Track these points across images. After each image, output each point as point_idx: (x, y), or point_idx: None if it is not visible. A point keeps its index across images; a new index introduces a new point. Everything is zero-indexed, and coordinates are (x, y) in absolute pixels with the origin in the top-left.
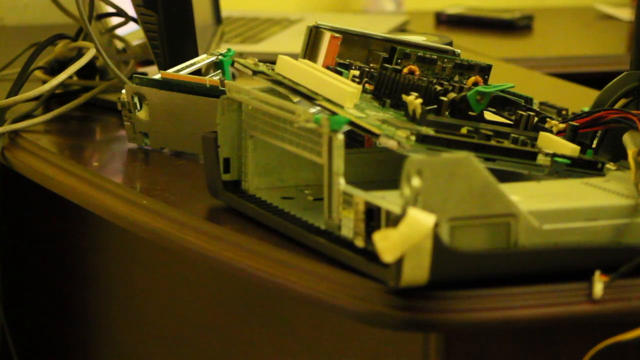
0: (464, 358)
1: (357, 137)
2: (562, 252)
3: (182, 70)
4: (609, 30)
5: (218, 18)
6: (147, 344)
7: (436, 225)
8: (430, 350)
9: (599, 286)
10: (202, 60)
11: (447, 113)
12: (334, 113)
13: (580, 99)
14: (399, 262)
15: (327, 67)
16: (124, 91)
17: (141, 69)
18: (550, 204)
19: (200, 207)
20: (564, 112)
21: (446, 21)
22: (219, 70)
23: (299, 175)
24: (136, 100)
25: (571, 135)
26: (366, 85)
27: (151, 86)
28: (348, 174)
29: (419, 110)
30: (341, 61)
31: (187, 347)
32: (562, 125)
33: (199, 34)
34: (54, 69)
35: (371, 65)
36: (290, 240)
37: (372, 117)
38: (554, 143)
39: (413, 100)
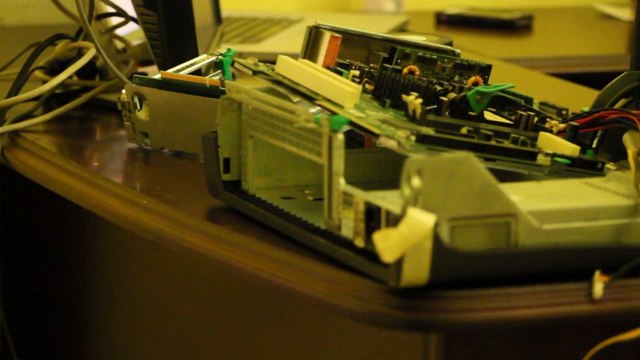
0: (464, 358)
1: (357, 137)
2: (562, 252)
3: (182, 70)
4: (609, 30)
5: (218, 18)
6: (147, 344)
7: (436, 225)
8: (430, 350)
9: (599, 286)
10: (202, 60)
11: (447, 113)
12: (334, 113)
13: (580, 99)
14: (399, 262)
15: (327, 67)
16: (124, 91)
17: (141, 69)
18: (550, 204)
19: (200, 207)
20: (564, 112)
21: (446, 21)
22: (219, 70)
23: (299, 175)
24: (136, 100)
25: (571, 135)
26: (366, 85)
27: (151, 86)
28: (348, 174)
29: (419, 110)
30: (341, 61)
31: (187, 347)
32: (562, 125)
33: (199, 34)
34: (54, 69)
35: (371, 65)
36: (290, 240)
37: (372, 117)
38: (554, 143)
39: (413, 100)
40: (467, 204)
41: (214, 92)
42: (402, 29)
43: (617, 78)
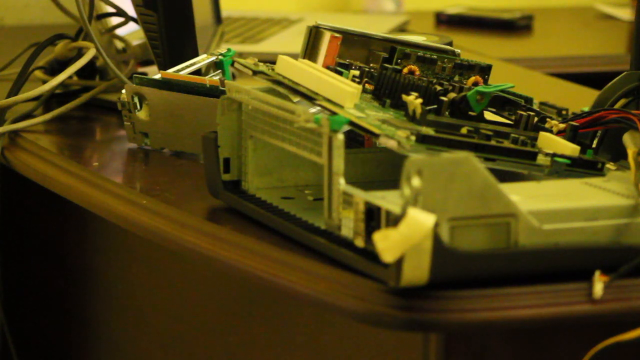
0: (464, 358)
1: (357, 137)
2: (562, 252)
3: (182, 70)
4: (609, 30)
5: (218, 18)
6: (147, 344)
7: (436, 225)
8: (430, 350)
9: (599, 286)
10: (202, 60)
11: (447, 113)
12: (334, 113)
13: (580, 99)
14: (399, 262)
15: (327, 67)
16: (124, 91)
17: (141, 69)
18: (550, 204)
19: (200, 207)
20: (564, 112)
21: (446, 21)
22: (219, 70)
23: (299, 175)
24: (136, 100)
25: (571, 135)
26: (366, 85)
27: (151, 86)
28: (348, 174)
29: (419, 110)
30: (341, 61)
31: (187, 347)
32: (562, 125)
33: (199, 34)
34: (54, 69)
35: (371, 65)
36: (290, 240)
37: (372, 117)
38: (554, 143)
39: (413, 100)
40: (467, 204)
41: (214, 92)
42: (402, 29)
43: (617, 78)
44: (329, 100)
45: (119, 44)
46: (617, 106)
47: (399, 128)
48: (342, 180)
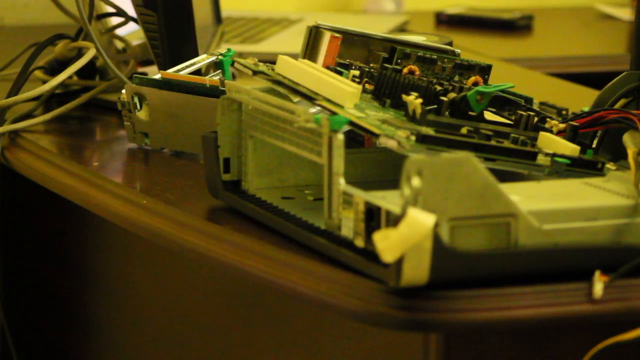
0: (464, 358)
1: (357, 137)
2: (562, 252)
3: (182, 70)
4: (609, 30)
5: (218, 18)
6: (147, 344)
7: (436, 225)
8: (430, 350)
9: (599, 286)
10: (202, 60)
11: (447, 113)
12: (334, 113)
13: (580, 99)
14: (399, 262)
15: (327, 67)
16: (124, 91)
17: (141, 69)
18: (550, 204)
19: (200, 207)
20: (564, 112)
21: (446, 21)
22: (219, 70)
23: (299, 175)
24: (136, 100)
25: (571, 135)
26: (366, 85)
27: (151, 86)
28: (348, 174)
29: (419, 110)
30: (341, 61)
31: (187, 347)
32: (562, 125)
33: (199, 34)
34: (54, 69)
35: (371, 65)
36: (290, 240)
37: (372, 117)
38: (554, 143)
39: (413, 100)
40: (467, 204)
41: (214, 92)
42: (402, 29)
43: (617, 78)
44: (329, 100)
45: (119, 44)
46: (617, 106)
47: (399, 128)
48: (342, 180)
